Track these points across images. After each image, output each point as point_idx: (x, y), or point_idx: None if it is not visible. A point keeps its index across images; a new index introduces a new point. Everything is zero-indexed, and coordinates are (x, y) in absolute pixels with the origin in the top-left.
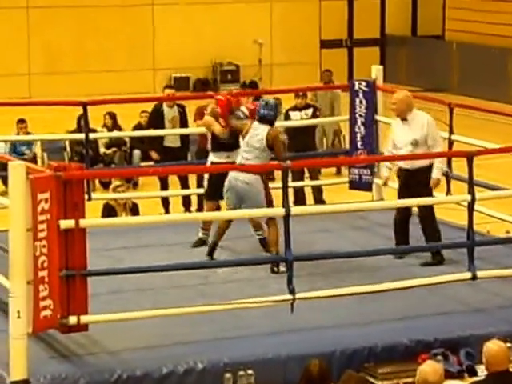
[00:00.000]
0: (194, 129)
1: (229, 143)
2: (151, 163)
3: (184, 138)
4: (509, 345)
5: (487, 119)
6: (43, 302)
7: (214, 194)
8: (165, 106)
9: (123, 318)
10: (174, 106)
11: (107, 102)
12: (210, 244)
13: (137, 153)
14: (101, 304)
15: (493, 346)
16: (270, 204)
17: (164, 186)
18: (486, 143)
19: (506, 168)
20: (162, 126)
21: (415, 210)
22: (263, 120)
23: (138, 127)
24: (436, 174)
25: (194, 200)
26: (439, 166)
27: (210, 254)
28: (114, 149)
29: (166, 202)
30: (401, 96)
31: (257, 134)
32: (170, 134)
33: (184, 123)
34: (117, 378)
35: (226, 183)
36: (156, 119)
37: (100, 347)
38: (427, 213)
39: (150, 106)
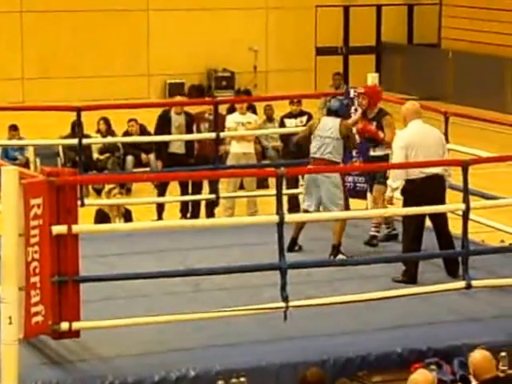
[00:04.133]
0: (198, 135)
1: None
2: (143, 169)
3: (189, 145)
4: (503, 354)
5: (483, 128)
6: (35, 308)
7: None
8: (173, 113)
9: (115, 325)
10: (182, 113)
11: (101, 107)
12: (290, 240)
13: (130, 159)
14: (93, 310)
15: (477, 356)
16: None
17: (162, 192)
18: (481, 152)
19: (501, 177)
20: (169, 133)
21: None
22: (331, 113)
23: (127, 136)
24: (387, 191)
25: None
26: (390, 183)
27: (290, 249)
28: (107, 154)
29: (160, 208)
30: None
31: (327, 126)
32: (175, 140)
33: (190, 131)
34: None
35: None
36: (163, 125)
37: (92, 354)
38: (406, 224)
39: (142, 113)
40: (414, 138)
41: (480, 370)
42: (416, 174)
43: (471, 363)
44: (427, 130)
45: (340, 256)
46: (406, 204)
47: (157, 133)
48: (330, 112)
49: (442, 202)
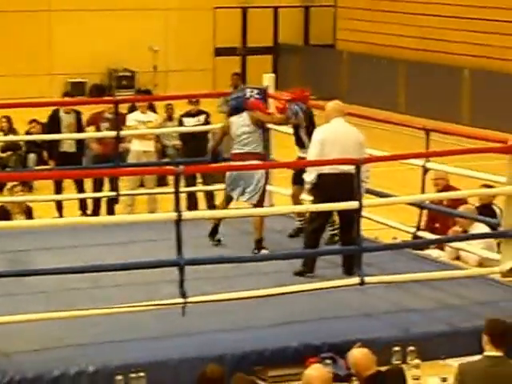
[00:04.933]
0: (90, 134)
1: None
2: (46, 167)
3: (80, 144)
4: (396, 348)
5: (375, 127)
6: None
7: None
8: (62, 113)
9: (14, 321)
10: (71, 112)
11: (2, 106)
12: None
13: (32, 156)
14: None
15: (356, 353)
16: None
17: (58, 189)
18: (374, 151)
19: (394, 176)
20: (59, 132)
21: None
22: (233, 112)
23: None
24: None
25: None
26: (305, 177)
27: (212, 234)
28: (9, 152)
29: (60, 205)
30: None
31: (238, 124)
32: (66, 139)
33: (80, 129)
34: (9, 379)
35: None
36: (53, 125)
37: None
38: (310, 218)
39: (43, 112)
40: (331, 134)
41: (360, 367)
42: (327, 169)
43: (351, 362)
44: (347, 130)
45: (263, 251)
46: (314, 198)
47: (47, 132)
48: (232, 111)
49: (350, 201)
